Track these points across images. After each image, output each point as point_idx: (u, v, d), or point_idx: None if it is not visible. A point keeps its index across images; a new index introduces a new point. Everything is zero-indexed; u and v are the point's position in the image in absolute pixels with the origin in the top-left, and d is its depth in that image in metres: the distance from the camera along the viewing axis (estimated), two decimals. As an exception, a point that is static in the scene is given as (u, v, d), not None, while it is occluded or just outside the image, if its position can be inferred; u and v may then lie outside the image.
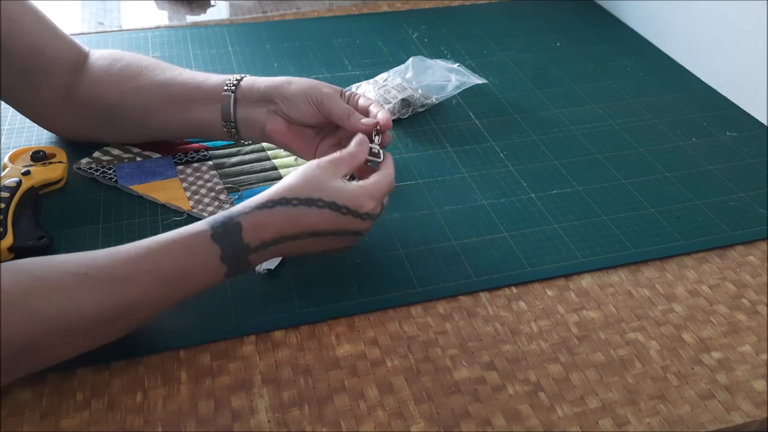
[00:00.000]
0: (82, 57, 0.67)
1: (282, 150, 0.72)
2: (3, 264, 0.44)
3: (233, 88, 0.63)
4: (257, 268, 0.57)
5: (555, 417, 0.48)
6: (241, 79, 0.64)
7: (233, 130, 0.64)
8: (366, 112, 0.62)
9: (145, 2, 1.07)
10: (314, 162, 0.53)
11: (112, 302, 0.45)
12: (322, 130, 0.65)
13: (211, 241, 0.48)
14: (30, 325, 0.43)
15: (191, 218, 0.63)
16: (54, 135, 0.73)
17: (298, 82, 0.62)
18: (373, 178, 0.55)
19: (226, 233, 0.48)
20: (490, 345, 0.53)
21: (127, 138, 0.70)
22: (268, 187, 0.66)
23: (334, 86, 0.63)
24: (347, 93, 0.63)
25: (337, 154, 0.55)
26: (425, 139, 0.77)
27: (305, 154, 0.65)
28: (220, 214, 0.50)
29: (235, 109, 0.63)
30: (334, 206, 0.51)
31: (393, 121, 0.78)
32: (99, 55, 0.68)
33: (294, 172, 0.53)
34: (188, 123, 0.66)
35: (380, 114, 0.60)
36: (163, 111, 0.65)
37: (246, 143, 0.72)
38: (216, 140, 0.71)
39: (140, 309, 0.47)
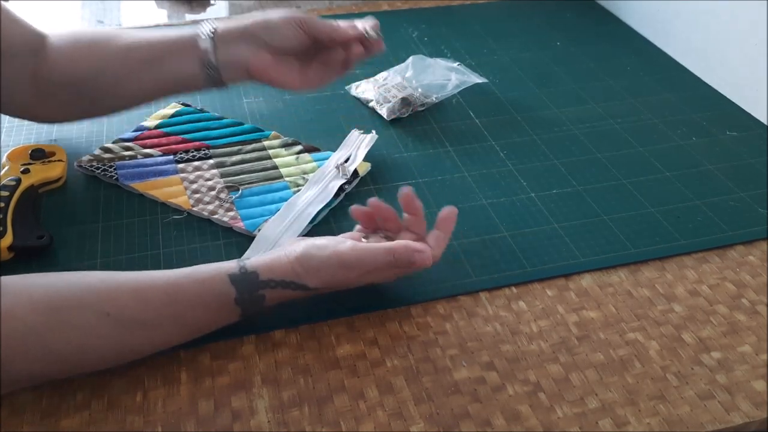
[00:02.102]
0: (40, 40, 0.63)
1: (283, 149, 0.72)
2: (17, 282, 0.44)
3: (212, 34, 0.61)
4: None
5: (555, 417, 0.48)
6: (217, 27, 0.62)
7: (215, 74, 0.62)
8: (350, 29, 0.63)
9: (145, 1, 1.07)
10: (343, 263, 0.51)
11: (131, 344, 0.46)
12: (306, 56, 0.64)
13: (234, 304, 0.49)
14: (44, 361, 0.44)
15: (191, 217, 0.63)
16: (54, 134, 0.73)
17: (277, 12, 0.62)
18: (375, 246, 0.52)
19: (250, 300, 0.49)
20: (489, 345, 0.53)
21: (106, 111, 0.67)
22: (268, 187, 0.66)
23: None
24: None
25: (370, 256, 0.51)
26: (425, 138, 0.76)
27: (291, 84, 0.64)
28: (245, 275, 0.49)
29: (216, 51, 0.61)
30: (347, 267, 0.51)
31: (393, 120, 0.78)
32: (59, 35, 0.64)
33: (319, 267, 0.50)
34: (165, 81, 0.63)
35: (364, 20, 0.63)
36: (136, 74, 0.62)
37: (247, 144, 0.72)
38: (194, 92, 0.68)
39: (157, 348, 0.48)
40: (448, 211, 0.56)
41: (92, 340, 0.45)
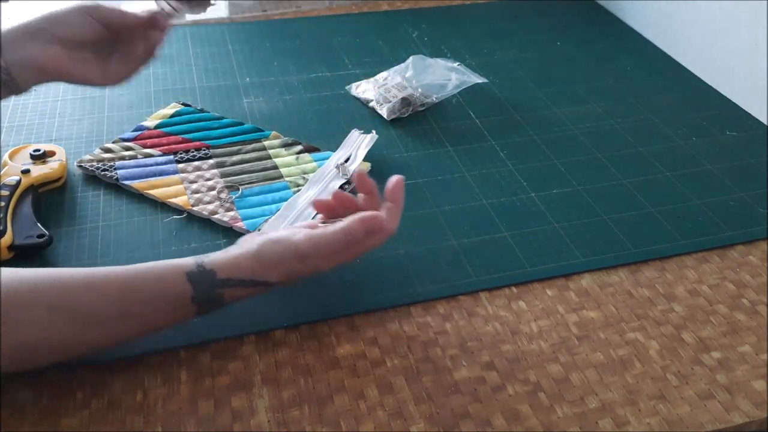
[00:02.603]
0: None
1: (283, 149, 0.72)
2: None
3: None
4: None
5: (555, 417, 0.48)
6: None
7: (8, 80, 0.56)
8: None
9: (145, 1, 1.07)
10: (299, 255, 0.49)
11: (85, 338, 0.46)
12: (103, 50, 0.60)
13: (190, 302, 0.48)
14: (2, 356, 0.43)
15: (191, 217, 0.63)
16: (54, 134, 0.73)
17: (62, 7, 0.58)
18: (330, 230, 0.51)
19: (207, 298, 0.48)
20: (490, 345, 0.53)
21: None
22: (268, 187, 0.66)
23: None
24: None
25: (317, 244, 0.50)
26: (425, 138, 0.76)
27: (93, 78, 0.60)
28: (203, 273, 0.48)
29: (1, 56, 0.55)
30: (315, 268, 0.50)
31: (393, 120, 0.78)
32: None
33: (273, 260, 0.50)
34: None
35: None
36: None
37: (247, 144, 0.72)
38: None
39: (116, 343, 0.48)
40: (395, 181, 0.54)
41: (47, 335, 0.44)
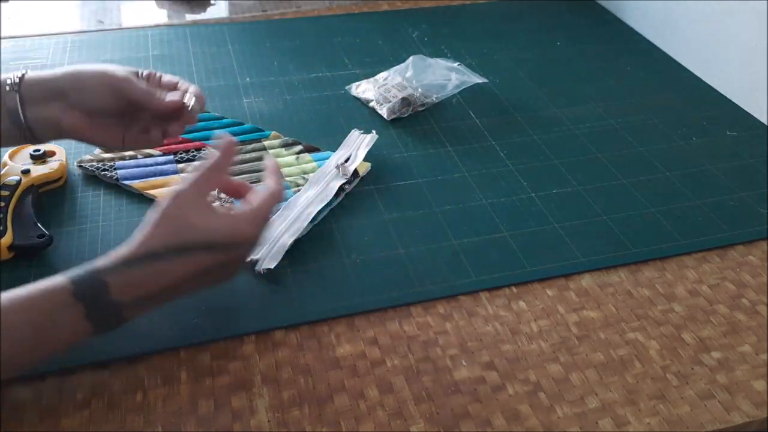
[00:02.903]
0: None
1: (283, 149, 0.72)
2: None
3: (16, 86, 0.55)
4: (257, 268, 0.57)
5: (555, 417, 0.48)
6: (24, 75, 0.56)
7: (27, 132, 0.56)
8: (174, 87, 0.59)
9: (145, 0, 1.07)
10: (174, 193, 0.47)
11: None
12: (125, 117, 0.59)
13: (72, 297, 0.43)
14: None
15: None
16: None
17: (89, 70, 0.56)
18: (256, 203, 0.50)
19: (92, 291, 0.44)
20: (490, 345, 0.53)
21: None
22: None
23: (127, 68, 0.58)
24: (145, 73, 0.59)
25: (193, 175, 0.48)
26: (425, 138, 0.76)
27: (112, 143, 0.60)
28: (83, 268, 0.45)
29: (24, 109, 0.55)
30: (209, 247, 0.47)
31: (393, 120, 0.78)
32: None
33: (155, 212, 0.47)
34: None
35: (191, 87, 0.58)
36: None
37: (247, 144, 0.72)
38: (8, 146, 0.62)
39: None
40: (226, 141, 0.51)
41: None
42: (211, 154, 0.50)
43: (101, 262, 0.45)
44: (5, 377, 0.43)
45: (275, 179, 0.53)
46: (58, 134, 0.58)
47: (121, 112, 0.58)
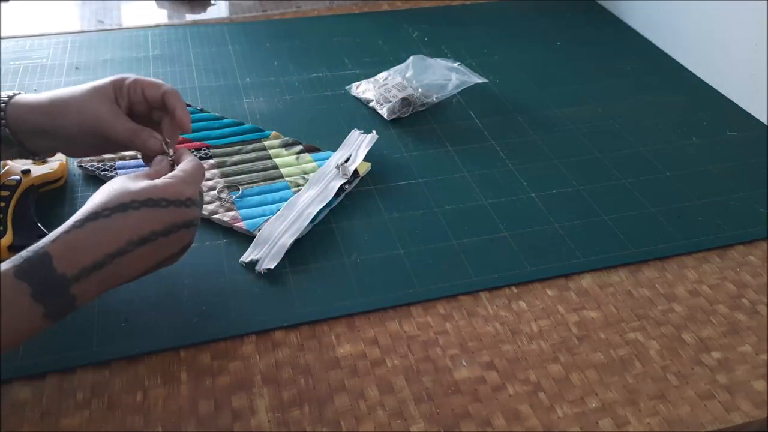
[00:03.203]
0: None
1: (283, 149, 0.72)
2: None
3: (3, 119, 0.54)
4: (257, 268, 0.57)
5: (555, 417, 0.48)
6: (7, 102, 0.54)
7: (27, 153, 0.56)
8: (160, 101, 0.55)
9: (145, 0, 1.07)
10: (115, 178, 0.49)
11: None
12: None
13: (14, 278, 0.41)
14: None
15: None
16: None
17: (72, 113, 0.54)
18: (181, 166, 0.51)
19: (33, 266, 0.41)
20: (490, 345, 0.53)
21: None
22: (269, 187, 0.66)
23: (110, 93, 0.55)
24: (128, 82, 0.55)
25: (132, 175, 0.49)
26: (425, 138, 0.76)
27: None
28: (26, 249, 0.43)
29: (17, 139, 0.55)
30: (151, 203, 0.46)
31: (393, 120, 0.78)
32: None
33: (96, 193, 0.47)
34: None
35: (178, 111, 0.54)
36: None
37: (247, 144, 0.72)
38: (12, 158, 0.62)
39: None
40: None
41: None
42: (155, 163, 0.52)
43: (45, 239, 0.43)
44: None
45: (187, 154, 0.53)
46: (55, 153, 0.60)
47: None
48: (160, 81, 0.56)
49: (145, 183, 0.47)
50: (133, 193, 0.46)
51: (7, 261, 0.42)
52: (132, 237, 0.45)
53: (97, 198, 0.46)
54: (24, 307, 0.41)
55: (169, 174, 0.50)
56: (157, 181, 0.48)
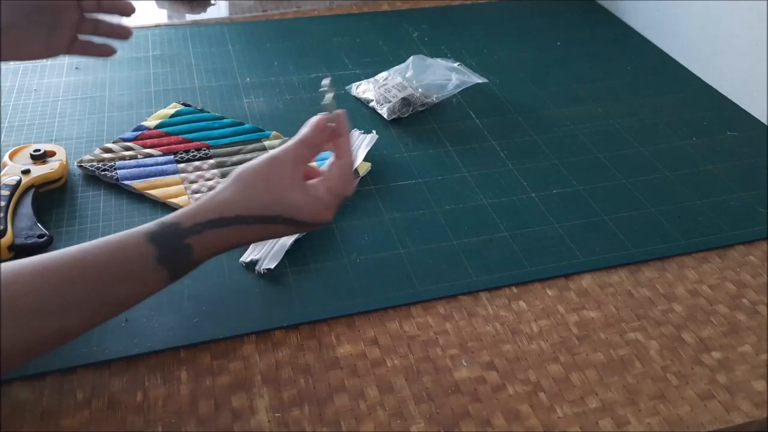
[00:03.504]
0: None
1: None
2: None
3: None
4: (257, 268, 0.57)
5: (555, 417, 0.48)
6: None
7: None
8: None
9: (146, 1, 1.07)
10: (272, 159, 0.48)
11: (47, 333, 0.42)
12: (44, 23, 0.57)
13: (157, 264, 0.44)
14: None
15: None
16: (54, 134, 0.73)
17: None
18: (334, 183, 0.50)
19: (175, 256, 0.45)
20: (490, 345, 0.53)
21: None
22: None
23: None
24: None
25: (293, 145, 0.49)
26: (425, 138, 0.76)
27: (45, 54, 0.59)
28: (165, 228, 0.45)
29: None
30: (292, 222, 0.49)
31: (393, 120, 0.78)
32: None
33: (250, 175, 0.47)
34: None
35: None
36: None
37: (248, 144, 0.72)
38: None
39: (82, 330, 0.44)
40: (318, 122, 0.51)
41: (22, 336, 0.40)
42: (307, 130, 0.50)
43: (184, 219, 0.45)
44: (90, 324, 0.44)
45: (344, 148, 0.51)
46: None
47: (32, 15, 0.56)
48: None
49: (295, 197, 0.48)
50: (282, 206, 0.47)
51: (143, 239, 0.44)
52: (260, 237, 0.49)
53: (250, 190, 0.47)
54: (155, 282, 0.45)
55: (322, 186, 0.50)
56: (306, 204, 0.48)
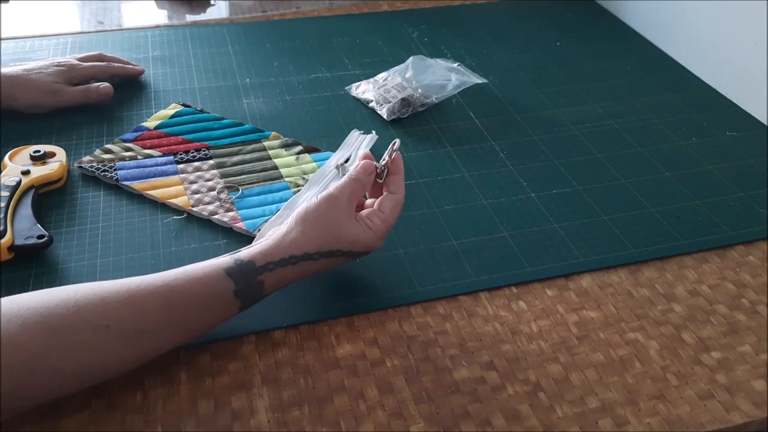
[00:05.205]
0: None
1: (283, 149, 0.72)
2: (6, 307, 0.42)
3: None
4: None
5: (555, 417, 0.48)
6: None
7: None
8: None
9: (145, 1, 1.07)
10: (329, 198, 0.53)
11: (135, 353, 0.46)
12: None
13: (233, 297, 0.49)
14: (52, 382, 0.43)
15: (191, 217, 0.63)
16: (54, 135, 0.73)
17: (18, 91, 0.76)
18: (388, 214, 0.55)
19: (249, 290, 0.49)
20: (490, 345, 0.53)
21: None
22: (268, 188, 0.66)
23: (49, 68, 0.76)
24: (68, 66, 0.79)
25: (347, 183, 0.54)
26: (425, 138, 0.76)
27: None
28: (242, 265, 0.49)
29: None
30: (350, 254, 0.53)
31: (393, 120, 0.78)
32: None
33: (313, 213, 0.52)
34: None
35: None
36: None
37: (247, 145, 0.72)
38: None
39: (161, 351, 0.48)
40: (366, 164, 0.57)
41: (96, 355, 0.44)
42: (359, 171, 0.55)
43: (258, 258, 0.50)
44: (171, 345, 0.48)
45: (399, 185, 0.56)
46: None
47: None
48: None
49: (353, 231, 0.53)
50: (341, 241, 0.52)
51: (222, 272, 0.49)
52: (321, 269, 0.53)
53: (315, 231, 0.52)
54: (228, 311, 0.49)
55: (377, 218, 0.54)
56: (361, 236, 0.53)
